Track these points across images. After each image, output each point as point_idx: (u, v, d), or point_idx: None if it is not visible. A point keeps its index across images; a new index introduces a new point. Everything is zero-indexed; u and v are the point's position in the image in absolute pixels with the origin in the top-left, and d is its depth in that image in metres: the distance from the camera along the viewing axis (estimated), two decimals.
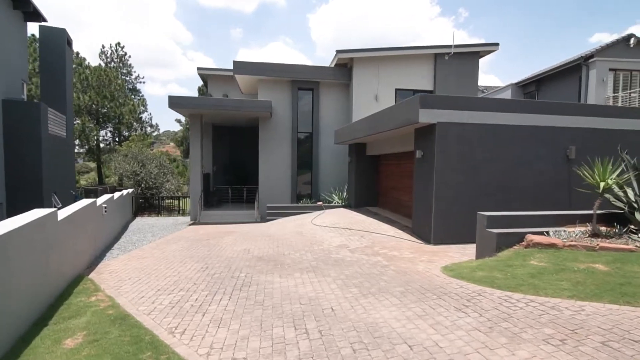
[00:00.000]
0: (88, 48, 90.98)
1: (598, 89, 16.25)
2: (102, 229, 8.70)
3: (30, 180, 10.76)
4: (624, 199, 6.35)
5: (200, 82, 26.62)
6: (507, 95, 20.89)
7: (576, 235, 5.92)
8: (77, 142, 25.83)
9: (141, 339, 3.57)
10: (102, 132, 29.75)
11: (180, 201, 20.06)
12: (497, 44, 16.34)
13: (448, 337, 3.27)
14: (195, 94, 31.81)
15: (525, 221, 6.36)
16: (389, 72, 15.50)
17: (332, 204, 14.41)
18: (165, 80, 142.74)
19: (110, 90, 27.38)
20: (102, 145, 29.85)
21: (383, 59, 15.40)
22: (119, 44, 33.92)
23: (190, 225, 13.51)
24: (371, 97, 15.37)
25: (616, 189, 6.25)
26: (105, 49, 33.61)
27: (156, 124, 36.04)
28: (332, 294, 4.69)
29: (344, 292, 4.77)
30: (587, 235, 5.94)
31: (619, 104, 15.90)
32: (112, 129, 30.43)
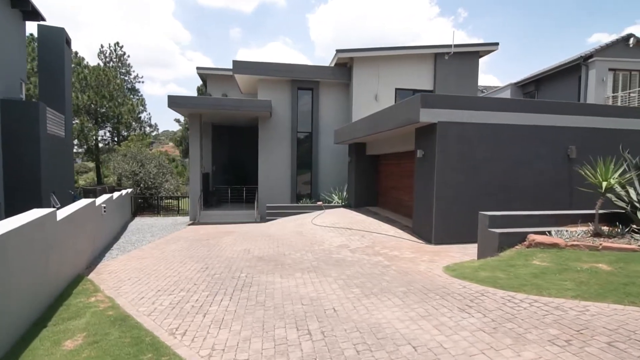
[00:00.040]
0: (87, 48, 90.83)
1: (598, 88, 16.25)
2: (101, 229, 8.65)
3: (28, 180, 10.70)
4: (625, 198, 6.33)
5: (200, 82, 26.55)
6: (506, 95, 20.88)
7: (578, 235, 5.89)
8: (75, 142, 25.74)
9: (142, 340, 3.53)
10: (101, 132, 29.67)
11: (180, 201, 20.00)
12: (496, 44, 16.33)
13: (452, 338, 3.23)
14: (194, 93, 31.73)
15: (527, 221, 6.34)
16: (389, 71, 15.47)
17: (331, 204, 14.38)
18: (164, 80, 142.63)
19: (109, 90, 27.29)
20: (100, 145, 29.76)
21: (383, 58, 15.38)
22: (117, 43, 33.83)
23: (189, 225, 13.46)
24: (371, 97, 15.34)
25: (618, 188, 6.22)
26: (104, 49, 33.51)
27: (155, 123, 35.99)
28: (334, 294, 4.66)
29: (346, 292, 4.74)
30: (590, 234, 5.92)
31: (619, 104, 15.90)
32: (110, 129, 30.33)
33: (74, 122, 23.70)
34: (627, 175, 6.29)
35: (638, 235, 5.71)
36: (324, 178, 15.86)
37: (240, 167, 19.61)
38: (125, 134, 30.50)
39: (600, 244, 5.34)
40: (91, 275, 6.20)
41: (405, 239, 8.42)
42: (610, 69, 16.43)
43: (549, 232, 6.00)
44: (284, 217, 13.52)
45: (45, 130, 11.38)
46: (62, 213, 5.80)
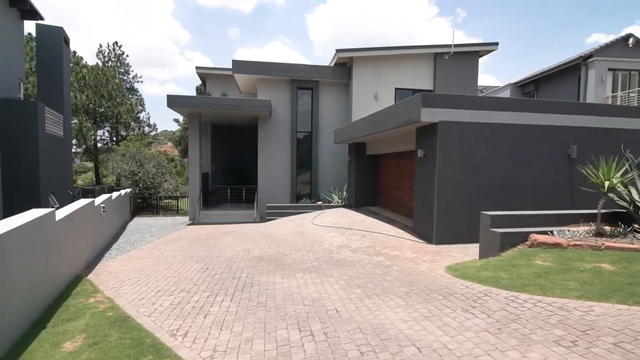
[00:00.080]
0: (85, 48, 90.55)
1: (597, 88, 16.26)
2: (100, 229, 8.59)
3: (27, 180, 10.63)
4: (627, 198, 6.31)
5: (199, 82, 26.48)
6: (505, 95, 20.87)
7: (580, 235, 5.87)
8: (74, 141, 25.65)
9: (142, 341, 3.49)
10: (100, 132, 29.58)
11: (179, 201, 19.94)
12: (496, 44, 16.32)
13: (457, 339, 3.20)
14: (193, 93, 31.64)
15: (529, 220, 6.32)
16: (389, 71, 15.45)
17: (331, 204, 14.35)
18: (162, 79, 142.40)
19: (108, 89, 27.21)
20: (99, 145, 29.67)
21: (383, 58, 15.35)
22: (116, 43, 33.75)
23: (189, 225, 13.41)
24: (371, 97, 15.31)
25: (620, 188, 6.20)
26: (102, 48, 33.43)
27: (154, 123, 35.92)
28: (336, 295, 4.62)
29: (348, 292, 4.70)
30: (592, 234, 5.90)
31: (618, 104, 15.91)
32: (109, 129, 30.23)
33: (72, 121, 23.61)
34: (629, 175, 6.28)
35: None
36: (324, 178, 15.82)
37: (240, 166, 19.55)
38: (124, 133, 30.41)
39: (603, 244, 5.31)
40: (90, 276, 6.14)
41: (406, 238, 8.39)
42: (609, 69, 16.44)
43: (551, 231, 5.98)
44: (284, 217, 13.48)
45: (43, 130, 11.31)
46: (61, 213, 5.75)
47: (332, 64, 15.69)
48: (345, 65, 15.74)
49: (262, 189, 15.30)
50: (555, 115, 8.43)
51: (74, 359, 3.22)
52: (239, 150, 19.75)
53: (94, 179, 29.76)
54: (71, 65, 23.03)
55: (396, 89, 15.63)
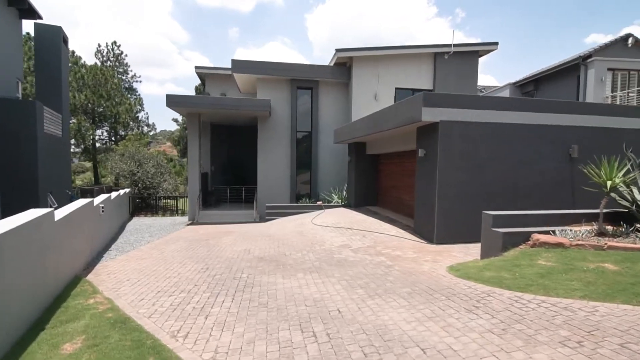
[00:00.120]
0: (84, 48, 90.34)
1: (596, 88, 16.26)
2: (99, 230, 8.54)
3: (25, 180, 10.56)
4: (629, 197, 6.29)
5: (198, 82, 26.43)
6: (505, 95, 20.88)
7: (583, 235, 5.85)
8: (72, 141, 25.55)
9: (143, 343, 3.45)
10: (98, 132, 29.50)
11: (178, 201, 19.88)
12: (496, 43, 16.31)
13: (461, 340, 3.17)
14: (192, 93, 31.58)
15: (531, 220, 6.29)
16: (389, 71, 15.42)
17: (331, 204, 14.31)
18: (161, 79, 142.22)
19: (107, 89, 27.12)
20: (98, 144, 29.58)
21: (382, 58, 15.32)
22: (115, 42, 33.65)
23: (188, 225, 13.36)
24: (370, 96, 15.28)
25: (622, 187, 6.18)
26: (101, 48, 33.36)
27: (153, 123, 35.90)
28: (338, 295, 4.58)
29: (350, 293, 4.66)
30: (594, 234, 5.88)
31: (617, 104, 15.92)
32: (108, 129, 30.13)
33: (71, 121, 23.53)
34: (631, 175, 6.26)
35: None
36: (324, 178, 15.79)
37: (239, 166, 19.50)
38: (123, 133, 30.32)
39: (606, 244, 5.29)
40: (89, 277, 6.09)
41: (407, 238, 8.36)
42: (609, 69, 16.45)
43: (553, 231, 5.95)
44: (284, 217, 13.44)
45: (42, 130, 11.25)
46: (60, 213, 5.70)
47: (332, 64, 15.65)
48: (345, 65, 15.70)
49: (261, 189, 15.25)
50: (557, 114, 8.42)
51: None
52: (239, 150, 19.69)
53: (93, 179, 29.67)
54: (70, 64, 22.94)
55: (396, 88, 15.60)
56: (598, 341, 3.00)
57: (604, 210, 5.98)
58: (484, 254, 6.17)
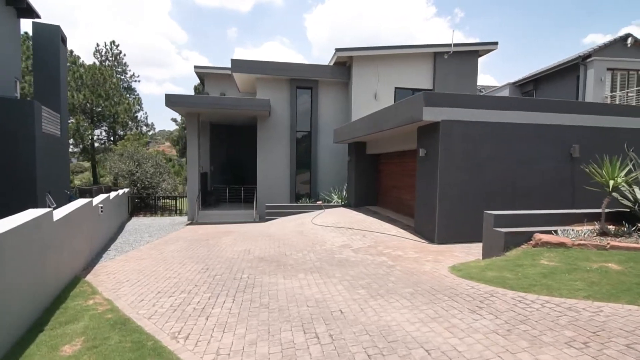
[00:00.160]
0: (84, 48, 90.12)
1: (596, 88, 16.27)
2: (98, 230, 8.48)
3: (24, 180, 10.49)
4: (631, 197, 6.27)
5: (197, 81, 26.35)
6: (504, 94, 20.88)
7: (585, 234, 5.82)
8: (71, 141, 25.44)
9: (143, 344, 3.40)
10: (97, 131, 29.39)
11: (177, 201, 19.80)
12: (496, 43, 16.29)
13: (466, 341, 3.13)
14: (191, 93, 31.50)
15: (532, 220, 6.27)
16: (389, 70, 15.39)
17: (331, 204, 14.27)
18: (160, 79, 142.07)
19: (105, 88, 27.02)
20: (96, 144, 29.46)
21: (382, 57, 15.28)
22: (113, 42, 33.55)
23: (187, 225, 13.30)
24: (370, 96, 15.24)
25: (625, 187, 6.16)
26: (99, 47, 33.24)
27: (152, 123, 35.63)
28: (340, 296, 4.55)
29: (352, 293, 4.63)
30: (596, 234, 5.85)
31: (617, 103, 15.93)
32: (107, 128, 30.03)
33: (69, 121, 23.42)
34: (633, 174, 6.24)
35: None
36: (324, 177, 15.75)
37: (239, 166, 19.44)
38: (122, 133, 30.20)
39: (608, 243, 5.26)
40: (88, 277, 6.04)
41: (408, 238, 8.33)
42: (608, 69, 16.46)
43: (555, 231, 5.93)
44: (283, 216, 13.39)
45: (40, 129, 11.18)
46: (59, 213, 5.65)
47: (332, 63, 15.61)
48: (344, 65, 15.66)
49: (261, 189, 15.21)
50: (557, 114, 8.40)
51: None
52: (238, 149, 19.64)
53: (91, 178, 29.55)
54: (68, 64, 22.82)
55: (396, 88, 15.57)
56: (604, 342, 2.97)
57: (606, 210, 5.96)
58: (486, 254, 6.14)
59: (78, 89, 25.85)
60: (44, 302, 4.48)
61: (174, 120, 35.29)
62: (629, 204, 6.25)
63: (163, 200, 20.32)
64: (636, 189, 6.22)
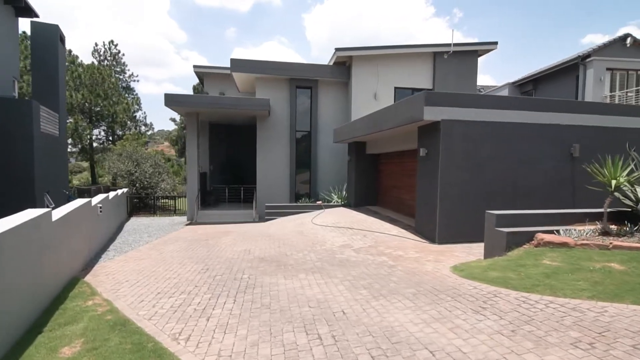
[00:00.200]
0: (84, 48, 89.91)
1: (595, 88, 16.27)
2: (97, 230, 8.43)
3: (22, 179, 10.43)
4: (633, 196, 6.26)
5: (196, 81, 26.30)
6: (504, 94, 20.87)
7: (587, 234, 5.80)
8: (69, 141, 25.34)
9: (143, 346, 3.36)
10: (96, 131, 29.29)
11: (176, 201, 19.75)
12: (495, 43, 16.29)
13: (470, 342, 3.10)
14: (190, 92, 31.43)
15: (534, 220, 6.25)
16: (388, 70, 15.36)
17: (331, 203, 14.23)
18: (159, 79, 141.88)
19: (104, 88, 26.93)
20: (95, 144, 29.36)
21: (382, 57, 15.26)
22: (112, 41, 33.47)
23: (187, 225, 13.25)
24: (370, 96, 15.21)
25: (627, 186, 6.15)
26: (98, 47, 33.12)
27: (150, 123, 35.66)
28: (342, 296, 4.51)
29: (353, 294, 4.59)
30: (598, 233, 5.83)
31: (617, 103, 15.94)
32: (105, 128, 29.93)
33: (68, 121, 23.32)
34: (635, 174, 6.22)
35: None
36: (323, 177, 15.71)
37: (238, 166, 19.39)
38: (120, 133, 30.12)
39: (611, 243, 5.24)
40: (87, 277, 5.99)
41: (409, 238, 8.30)
42: (607, 69, 16.47)
43: (557, 231, 5.90)
44: (283, 216, 13.35)
45: (38, 129, 11.12)
46: (58, 213, 5.60)
47: (331, 63, 15.58)
48: (344, 64, 15.63)
49: (260, 189, 15.16)
50: (558, 113, 8.38)
51: None
52: (237, 149, 19.58)
53: (90, 178, 29.44)
54: (67, 64, 22.70)
55: (395, 88, 15.55)
56: (610, 342, 2.94)
57: (608, 210, 5.94)
58: (487, 254, 6.11)
59: (76, 88, 25.76)
60: (43, 303, 4.44)
61: (173, 120, 35.23)
62: (630, 203, 6.24)
63: (162, 200, 20.26)
64: (638, 189, 6.20)
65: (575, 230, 5.93)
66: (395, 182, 12.04)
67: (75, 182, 28.76)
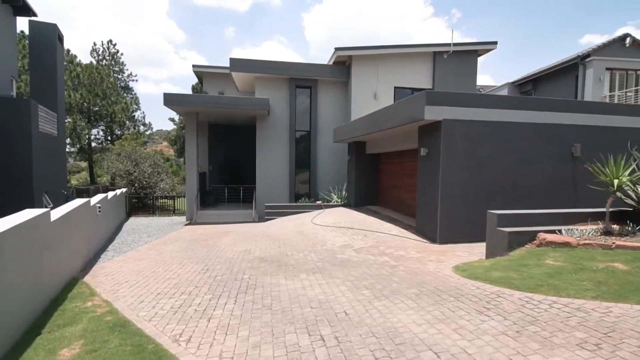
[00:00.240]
0: (80, 47, 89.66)
1: (595, 88, 16.28)
2: (96, 230, 8.37)
3: (20, 179, 10.35)
4: (634, 196, 6.23)
5: (194, 81, 26.24)
6: (503, 94, 20.87)
7: (589, 234, 5.78)
8: (68, 140, 25.24)
9: (144, 348, 3.32)
10: (94, 131, 29.18)
11: (175, 201, 19.68)
12: (495, 43, 16.27)
13: (475, 343, 3.07)
14: (189, 92, 31.33)
15: (536, 219, 6.22)
16: (388, 70, 15.33)
17: (331, 203, 14.20)
18: (158, 79, 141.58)
19: (102, 88, 26.83)
20: (94, 144, 29.26)
21: (382, 57, 15.22)
22: (110, 41, 33.36)
23: (186, 225, 13.19)
24: (370, 95, 15.18)
25: (629, 186, 6.12)
26: (96, 47, 33.00)
27: (149, 122, 35.55)
28: (343, 297, 4.47)
29: (355, 294, 4.56)
30: (600, 233, 5.81)
31: (617, 103, 15.94)
32: (104, 128, 29.83)
33: (66, 120, 23.21)
34: (637, 173, 6.19)
35: None
36: (323, 177, 15.67)
37: (238, 166, 19.33)
38: (119, 132, 30.02)
39: (614, 243, 5.22)
40: (86, 278, 5.94)
41: (410, 238, 8.27)
42: (607, 69, 16.48)
43: (559, 230, 5.88)
44: (283, 216, 13.31)
45: (37, 128, 11.04)
46: (57, 213, 5.55)
47: (331, 63, 15.54)
48: (344, 64, 15.59)
49: (260, 189, 15.11)
50: (558, 113, 8.35)
51: None
52: (237, 149, 19.52)
53: (89, 178, 29.33)
54: (65, 63, 22.61)
55: (395, 87, 15.52)
56: (616, 343, 2.91)
57: (610, 209, 5.91)
58: (489, 254, 6.09)
59: (75, 88, 25.65)
60: (42, 303, 4.39)
61: (172, 119, 35.14)
62: (633, 203, 6.22)
63: (161, 200, 20.19)
64: (639, 188, 6.18)
65: (577, 230, 5.91)
66: (395, 182, 12.01)
67: (73, 182, 28.65)
